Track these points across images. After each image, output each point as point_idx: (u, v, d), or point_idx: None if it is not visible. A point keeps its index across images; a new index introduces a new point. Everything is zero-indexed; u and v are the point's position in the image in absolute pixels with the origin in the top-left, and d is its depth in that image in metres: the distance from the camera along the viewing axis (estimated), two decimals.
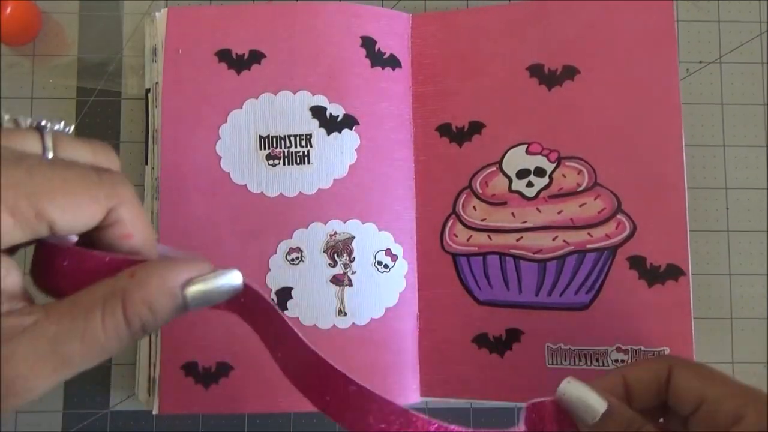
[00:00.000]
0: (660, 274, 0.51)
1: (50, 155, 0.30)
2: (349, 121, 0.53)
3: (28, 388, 0.26)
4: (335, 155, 0.53)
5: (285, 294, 0.52)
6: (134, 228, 0.30)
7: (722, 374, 0.37)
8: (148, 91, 0.54)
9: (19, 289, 0.28)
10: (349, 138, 0.53)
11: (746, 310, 0.57)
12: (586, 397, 0.37)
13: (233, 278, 0.31)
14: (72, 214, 0.28)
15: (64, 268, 0.29)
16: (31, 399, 0.27)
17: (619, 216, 0.52)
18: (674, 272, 0.51)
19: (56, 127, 0.31)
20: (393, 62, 0.54)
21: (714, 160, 0.58)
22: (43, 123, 0.30)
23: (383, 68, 0.54)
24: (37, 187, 0.27)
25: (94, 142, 0.32)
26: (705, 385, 0.36)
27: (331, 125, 0.53)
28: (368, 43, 0.54)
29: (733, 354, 0.56)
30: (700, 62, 0.59)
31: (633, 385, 0.38)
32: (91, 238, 0.30)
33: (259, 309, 0.35)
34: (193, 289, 0.29)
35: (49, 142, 0.30)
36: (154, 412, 0.51)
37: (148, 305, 0.28)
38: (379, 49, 0.54)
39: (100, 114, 0.57)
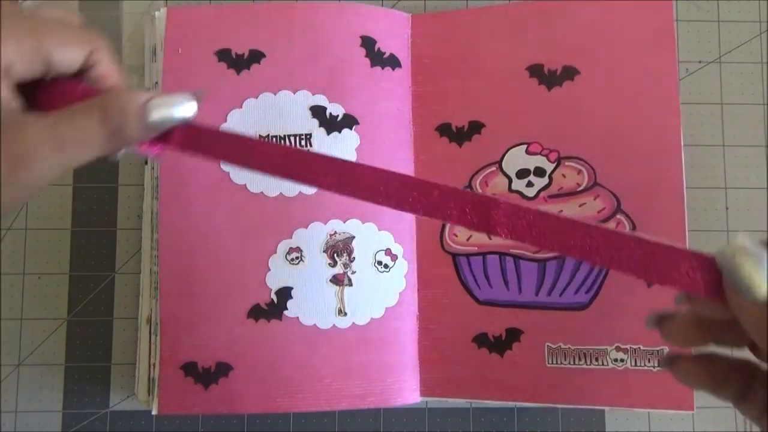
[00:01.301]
0: None
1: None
2: (348, 121, 0.53)
3: (33, 168, 0.32)
4: (335, 155, 0.52)
5: (285, 294, 0.52)
6: (111, 69, 0.37)
7: None
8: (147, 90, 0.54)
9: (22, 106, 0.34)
10: (349, 138, 0.53)
11: None
12: (762, 269, 0.29)
13: (186, 96, 0.37)
14: (64, 52, 0.34)
15: (60, 93, 0.36)
16: (37, 183, 0.33)
17: (619, 216, 0.52)
18: None
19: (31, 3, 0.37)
20: (393, 62, 0.54)
21: (714, 159, 0.58)
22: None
23: (383, 68, 0.54)
24: (38, 28, 0.34)
25: (61, 9, 0.37)
26: None
27: (331, 125, 0.53)
28: (368, 42, 0.54)
29: (733, 354, 0.56)
30: (700, 62, 0.59)
31: None
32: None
33: (209, 136, 0.38)
34: (154, 102, 0.35)
35: (26, 6, 0.36)
36: (154, 412, 0.51)
37: (121, 109, 0.34)
38: (378, 48, 0.54)
39: None
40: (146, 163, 0.54)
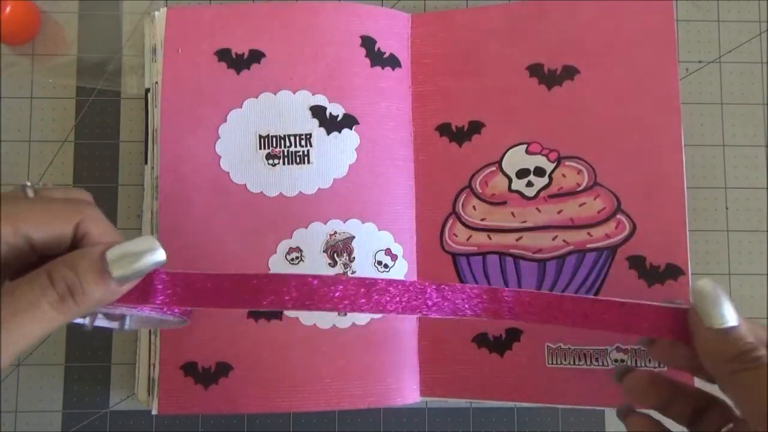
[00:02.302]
0: (659, 274, 0.52)
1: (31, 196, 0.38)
2: (348, 121, 0.53)
3: None
4: (335, 155, 0.53)
5: None
6: (101, 238, 0.36)
7: None
8: (147, 90, 0.55)
9: None
10: (349, 137, 0.53)
11: (746, 310, 0.57)
12: (723, 303, 0.38)
13: (149, 242, 0.36)
14: (42, 230, 0.35)
15: None
16: None
17: (619, 216, 0.52)
18: (674, 272, 0.51)
19: (38, 185, 0.39)
20: (393, 62, 0.55)
21: (713, 159, 0.58)
22: (27, 184, 0.38)
23: (383, 68, 0.54)
24: (14, 212, 0.34)
25: (68, 187, 0.41)
26: None
27: (331, 125, 0.53)
28: (368, 42, 0.54)
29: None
30: (700, 62, 0.59)
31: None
32: None
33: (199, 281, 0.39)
34: (112, 252, 0.35)
35: (30, 192, 0.38)
36: (154, 412, 0.51)
37: (71, 266, 0.34)
38: (378, 48, 0.54)
39: (99, 113, 0.57)
40: (146, 162, 0.54)
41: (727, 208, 0.58)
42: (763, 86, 0.59)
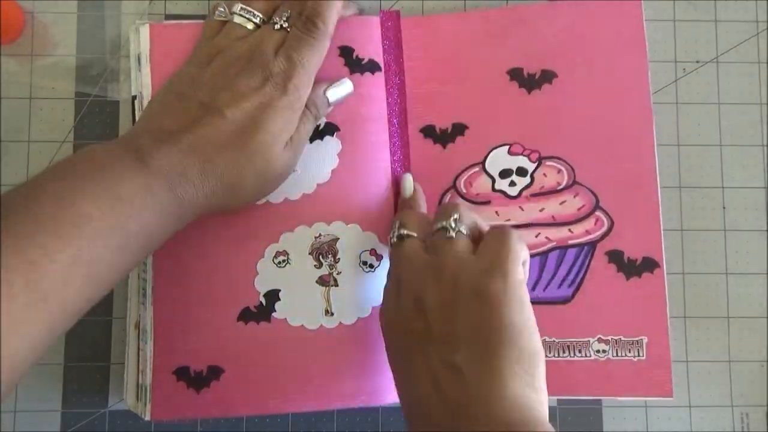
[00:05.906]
0: (636, 267, 0.55)
1: None
2: (330, 129, 0.57)
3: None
4: (318, 162, 0.56)
5: (273, 296, 0.55)
6: None
7: None
8: (134, 97, 0.57)
9: None
10: (331, 144, 0.57)
11: (744, 309, 0.59)
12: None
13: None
14: None
15: None
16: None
17: (598, 213, 0.56)
18: (650, 265, 0.55)
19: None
20: (372, 66, 0.58)
21: (711, 159, 0.61)
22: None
23: (362, 74, 0.57)
24: None
25: None
26: None
27: (313, 134, 0.56)
28: (346, 52, 0.58)
29: (730, 353, 0.59)
30: (697, 62, 0.62)
31: None
32: None
33: None
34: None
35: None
36: (147, 418, 0.53)
37: None
38: (357, 56, 0.57)
39: (98, 114, 0.59)
40: None
41: (724, 208, 0.60)
42: (760, 86, 0.61)
